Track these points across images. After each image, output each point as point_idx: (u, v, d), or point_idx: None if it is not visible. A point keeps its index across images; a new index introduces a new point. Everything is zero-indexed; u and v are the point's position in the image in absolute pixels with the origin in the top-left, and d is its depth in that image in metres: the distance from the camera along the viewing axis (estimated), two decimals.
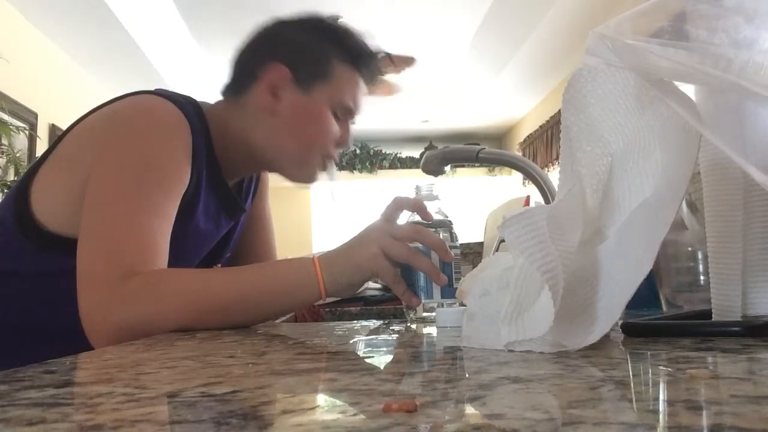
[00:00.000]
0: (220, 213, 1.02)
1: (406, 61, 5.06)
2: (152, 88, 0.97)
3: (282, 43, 1.00)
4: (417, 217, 0.88)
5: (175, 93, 0.97)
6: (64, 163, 0.92)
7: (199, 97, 1.01)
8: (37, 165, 0.95)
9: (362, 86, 1.03)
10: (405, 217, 0.90)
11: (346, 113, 1.02)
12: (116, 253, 0.78)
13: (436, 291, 0.84)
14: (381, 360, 0.51)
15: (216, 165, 0.98)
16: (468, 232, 1.99)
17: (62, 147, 0.95)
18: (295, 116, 0.99)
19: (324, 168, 1.05)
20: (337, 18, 1.04)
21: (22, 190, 0.92)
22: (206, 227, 1.00)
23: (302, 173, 1.04)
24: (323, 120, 1.00)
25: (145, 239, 0.80)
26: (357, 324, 0.86)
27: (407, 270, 0.84)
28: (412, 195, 0.93)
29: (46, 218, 0.90)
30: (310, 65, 0.99)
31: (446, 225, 0.90)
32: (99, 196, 0.83)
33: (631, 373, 0.37)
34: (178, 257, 0.86)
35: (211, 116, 0.98)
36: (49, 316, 0.90)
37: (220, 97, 1.04)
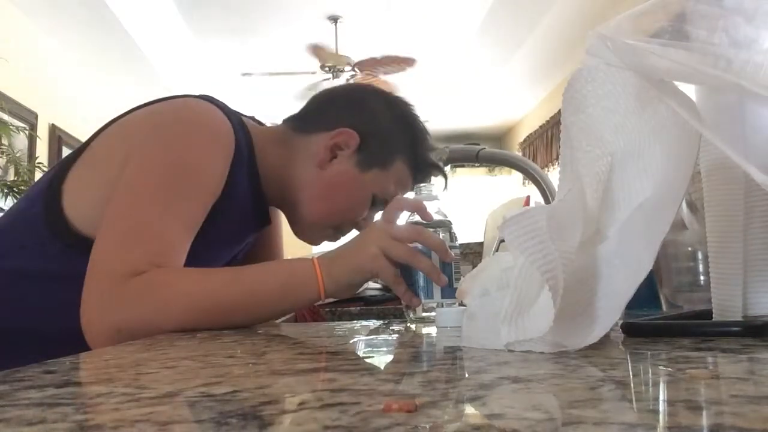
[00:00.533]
0: (249, 225, 1.01)
1: (408, 62, 5.09)
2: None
3: (366, 117, 1.00)
4: (417, 217, 0.88)
5: (219, 100, 0.95)
6: (98, 162, 0.90)
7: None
8: (70, 161, 0.92)
9: (408, 188, 1.04)
10: (405, 217, 0.90)
11: (380, 204, 1.02)
12: (128, 254, 0.77)
13: (436, 291, 0.84)
14: (381, 360, 0.51)
15: (256, 177, 0.96)
16: (468, 232, 1.99)
17: (98, 144, 0.92)
18: (338, 184, 0.99)
19: (331, 240, 1.04)
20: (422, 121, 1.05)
21: (53, 187, 0.90)
22: (234, 238, 0.99)
23: (309, 233, 1.04)
24: (360, 202, 1.00)
25: (161, 243, 0.79)
26: (357, 324, 0.86)
27: (407, 270, 0.84)
28: (412, 195, 0.93)
29: (78, 221, 0.87)
30: (378, 151, 0.99)
31: (446, 225, 0.90)
32: (125, 196, 0.82)
33: (631, 373, 0.37)
34: (199, 263, 0.83)
35: (256, 133, 0.97)
36: (56, 318, 0.88)
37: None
